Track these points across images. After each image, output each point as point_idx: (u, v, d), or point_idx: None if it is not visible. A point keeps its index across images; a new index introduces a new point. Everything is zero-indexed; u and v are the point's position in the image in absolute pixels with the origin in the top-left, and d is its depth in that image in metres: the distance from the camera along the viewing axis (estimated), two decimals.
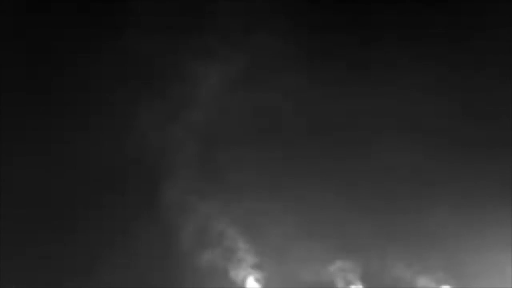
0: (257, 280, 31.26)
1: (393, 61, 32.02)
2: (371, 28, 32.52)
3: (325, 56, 32.53)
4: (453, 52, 32.03)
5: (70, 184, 32.18)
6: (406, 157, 31.20)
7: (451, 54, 32.01)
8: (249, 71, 32.93)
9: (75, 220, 31.93)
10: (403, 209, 30.96)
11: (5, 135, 32.32)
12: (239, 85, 32.91)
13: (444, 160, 31.19)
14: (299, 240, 30.93)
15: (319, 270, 30.89)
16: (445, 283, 30.48)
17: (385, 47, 32.25)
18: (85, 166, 32.28)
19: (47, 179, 31.97)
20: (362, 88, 32.02)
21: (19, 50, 32.91)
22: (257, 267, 31.31)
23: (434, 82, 31.86)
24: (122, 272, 31.09)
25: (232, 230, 31.58)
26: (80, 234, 31.72)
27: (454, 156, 31.24)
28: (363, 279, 30.85)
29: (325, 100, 32.14)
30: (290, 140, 32.31)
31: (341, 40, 32.44)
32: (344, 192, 31.13)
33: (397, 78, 31.86)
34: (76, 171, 32.31)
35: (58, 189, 31.99)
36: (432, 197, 30.94)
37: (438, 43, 32.22)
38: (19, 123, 32.51)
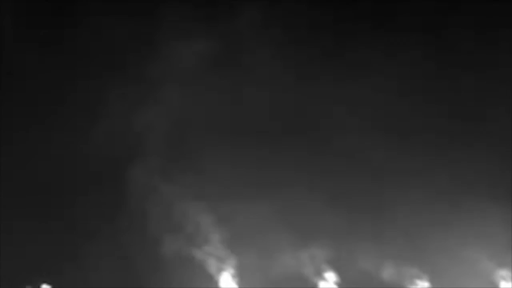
0: (229, 268, 31.85)
1: (367, 60, 32.24)
2: (347, 24, 32.62)
3: (300, 50, 32.81)
4: (427, 50, 32.39)
5: (38, 175, 32.04)
6: (378, 153, 31.65)
7: (425, 53, 32.35)
8: (224, 57, 32.87)
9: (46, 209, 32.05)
10: (374, 202, 31.54)
11: None
12: (213, 70, 32.83)
13: (417, 155, 31.69)
14: (270, 229, 31.38)
15: (290, 259, 31.48)
16: (413, 274, 31.38)
17: (360, 46, 32.44)
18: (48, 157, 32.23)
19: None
20: (337, 83, 32.18)
21: None
22: (228, 253, 31.74)
23: (408, 80, 32.20)
24: (99, 264, 31.40)
25: (204, 220, 31.89)
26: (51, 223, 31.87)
27: (426, 153, 31.82)
28: (334, 269, 31.61)
29: (300, 93, 32.41)
30: (264, 129, 32.48)
31: (317, 37, 32.68)
32: (317, 185, 31.59)
33: (372, 76, 32.14)
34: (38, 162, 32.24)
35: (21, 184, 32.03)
36: (405, 193, 31.38)
37: (413, 41, 32.41)
38: None
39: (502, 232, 30.88)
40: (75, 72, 32.67)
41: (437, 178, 31.56)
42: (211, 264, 31.73)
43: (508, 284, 31.14)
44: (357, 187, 31.71)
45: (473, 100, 32.29)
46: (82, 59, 32.73)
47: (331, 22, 32.67)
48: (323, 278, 31.59)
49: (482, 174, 31.53)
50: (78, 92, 32.64)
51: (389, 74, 31.99)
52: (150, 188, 31.75)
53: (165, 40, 32.85)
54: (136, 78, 32.62)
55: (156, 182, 31.85)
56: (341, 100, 32.13)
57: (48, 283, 31.99)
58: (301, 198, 31.59)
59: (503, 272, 31.22)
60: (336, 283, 31.56)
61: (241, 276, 31.66)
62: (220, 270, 31.72)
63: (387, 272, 31.35)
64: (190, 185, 31.87)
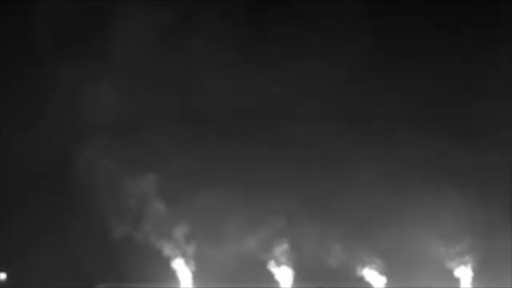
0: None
1: (316, 48, 32.42)
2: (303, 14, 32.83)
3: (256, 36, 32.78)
4: (376, 38, 32.38)
5: None
6: (328, 139, 31.73)
7: (374, 40, 32.35)
8: (177, 31, 32.70)
9: None
10: (324, 188, 31.60)
11: None
12: (164, 45, 32.68)
13: (366, 141, 31.84)
14: (222, 208, 31.64)
15: (242, 240, 31.71)
16: (364, 257, 31.85)
17: (309, 34, 32.57)
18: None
19: None
20: (286, 71, 32.19)
21: None
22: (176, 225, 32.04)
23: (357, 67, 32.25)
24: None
25: (153, 196, 32.07)
26: None
27: (375, 138, 32.02)
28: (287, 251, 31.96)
29: (251, 79, 32.29)
30: (214, 109, 32.51)
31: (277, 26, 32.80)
32: (268, 171, 31.87)
33: (320, 63, 32.21)
34: None
35: None
36: (354, 178, 31.57)
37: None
38: None
39: (453, 215, 31.25)
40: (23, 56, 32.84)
41: (386, 164, 31.74)
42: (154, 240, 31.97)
43: (458, 266, 31.64)
44: (307, 172, 31.91)
45: (423, 85, 32.54)
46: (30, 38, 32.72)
47: (295, 12, 32.91)
48: (276, 260, 31.98)
49: (432, 159, 31.89)
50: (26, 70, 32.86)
51: (338, 62, 32.07)
52: (97, 165, 31.79)
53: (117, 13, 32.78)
54: (85, 52, 32.55)
55: (104, 159, 31.86)
56: (290, 88, 32.26)
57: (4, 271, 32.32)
58: (252, 180, 31.77)
59: (454, 255, 31.68)
60: (288, 265, 31.91)
61: (195, 258, 32.13)
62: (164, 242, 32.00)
63: (336, 256, 31.62)
64: (138, 161, 31.97)
